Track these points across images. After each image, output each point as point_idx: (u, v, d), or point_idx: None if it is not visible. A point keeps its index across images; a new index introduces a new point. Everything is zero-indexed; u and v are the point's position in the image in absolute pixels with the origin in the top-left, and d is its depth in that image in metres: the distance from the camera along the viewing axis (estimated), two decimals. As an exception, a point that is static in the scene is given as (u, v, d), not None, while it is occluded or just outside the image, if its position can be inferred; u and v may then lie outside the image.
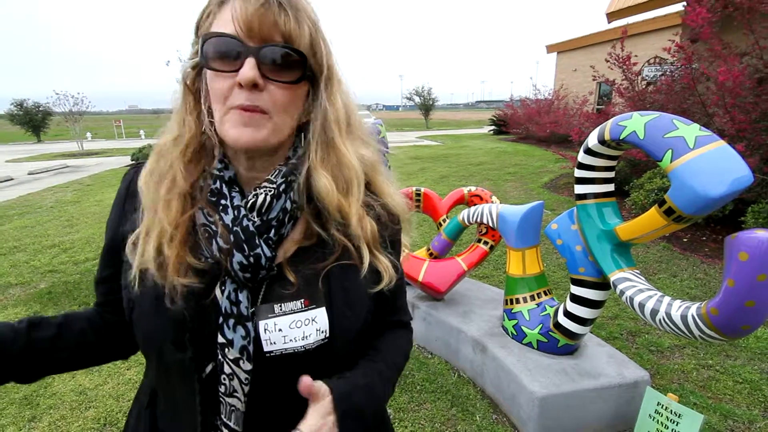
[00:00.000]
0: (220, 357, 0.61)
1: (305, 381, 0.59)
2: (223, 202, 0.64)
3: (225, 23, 0.59)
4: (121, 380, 2.54)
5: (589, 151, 1.75)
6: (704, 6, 4.47)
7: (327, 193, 0.64)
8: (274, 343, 0.62)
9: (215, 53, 0.59)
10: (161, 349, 0.63)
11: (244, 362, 0.61)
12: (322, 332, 0.64)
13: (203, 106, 0.65)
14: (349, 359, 0.70)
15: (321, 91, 0.65)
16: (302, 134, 0.68)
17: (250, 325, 0.62)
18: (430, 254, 2.97)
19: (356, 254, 0.68)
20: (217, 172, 0.65)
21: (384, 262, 0.70)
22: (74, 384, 2.51)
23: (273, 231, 0.64)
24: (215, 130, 0.63)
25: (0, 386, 0.64)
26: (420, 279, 2.66)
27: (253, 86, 0.58)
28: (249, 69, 0.57)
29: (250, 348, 0.62)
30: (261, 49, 0.58)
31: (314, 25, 0.63)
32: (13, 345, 0.62)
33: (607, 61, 6.32)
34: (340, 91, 0.68)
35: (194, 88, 0.66)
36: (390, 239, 0.73)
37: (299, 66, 0.61)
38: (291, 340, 0.62)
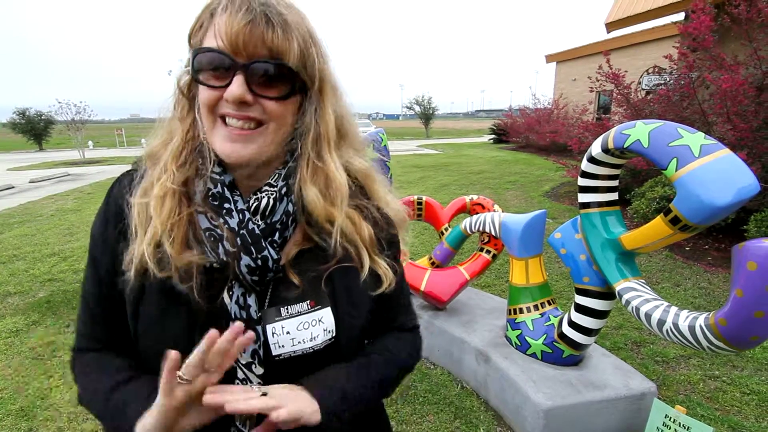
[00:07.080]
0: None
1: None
2: (226, 205, 0.63)
3: (214, 36, 0.59)
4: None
5: (592, 160, 1.74)
6: (708, 15, 4.51)
7: (315, 206, 0.65)
8: (283, 346, 0.63)
9: (205, 67, 0.59)
10: None
11: (256, 366, 0.63)
12: (329, 332, 0.65)
13: (197, 113, 0.65)
14: (352, 357, 0.71)
15: (312, 104, 0.65)
16: (299, 136, 0.67)
17: (259, 328, 0.63)
18: (432, 263, 2.95)
19: (356, 257, 0.69)
20: (217, 176, 0.64)
21: (383, 266, 0.71)
22: (71, 395, 2.47)
23: (277, 234, 0.65)
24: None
25: None
26: (422, 288, 2.64)
27: (242, 102, 0.58)
28: (237, 86, 0.57)
29: (261, 352, 0.63)
30: (249, 65, 0.58)
31: (305, 36, 0.61)
32: None
33: (598, 80, 6.48)
34: (333, 99, 0.67)
35: (189, 95, 0.66)
36: (387, 242, 0.74)
37: (289, 80, 0.61)
38: (299, 342, 0.63)
